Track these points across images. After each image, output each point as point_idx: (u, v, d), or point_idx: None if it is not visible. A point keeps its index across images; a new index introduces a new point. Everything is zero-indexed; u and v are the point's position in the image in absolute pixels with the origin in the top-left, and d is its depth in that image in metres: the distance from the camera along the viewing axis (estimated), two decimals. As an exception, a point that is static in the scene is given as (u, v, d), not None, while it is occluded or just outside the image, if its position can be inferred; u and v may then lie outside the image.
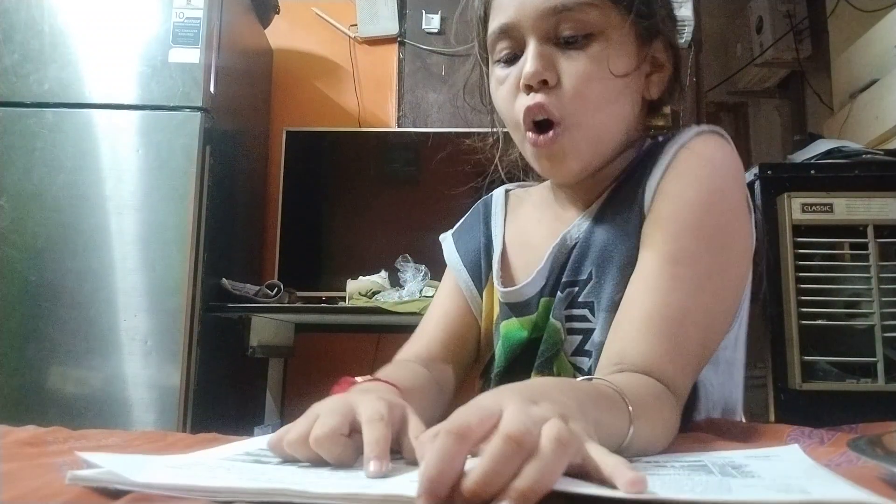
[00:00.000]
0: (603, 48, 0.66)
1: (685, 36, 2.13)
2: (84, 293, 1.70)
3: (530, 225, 0.82)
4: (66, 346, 1.68)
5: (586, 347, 0.69)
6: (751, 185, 1.80)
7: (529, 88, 0.67)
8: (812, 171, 1.73)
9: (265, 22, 2.41)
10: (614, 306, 0.65)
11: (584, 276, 0.71)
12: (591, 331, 0.69)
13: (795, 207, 1.65)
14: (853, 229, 1.63)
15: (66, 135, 1.77)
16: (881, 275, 1.59)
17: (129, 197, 1.75)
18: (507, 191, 0.89)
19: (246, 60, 2.24)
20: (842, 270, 1.63)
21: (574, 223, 0.74)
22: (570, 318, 0.71)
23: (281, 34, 2.54)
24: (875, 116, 2.06)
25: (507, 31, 0.68)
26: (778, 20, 2.67)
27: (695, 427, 0.65)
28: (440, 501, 0.30)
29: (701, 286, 0.62)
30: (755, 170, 1.78)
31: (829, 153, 1.79)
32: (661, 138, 0.73)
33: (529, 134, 0.68)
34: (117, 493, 0.35)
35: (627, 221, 0.69)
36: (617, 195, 0.72)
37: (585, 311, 0.70)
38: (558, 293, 0.72)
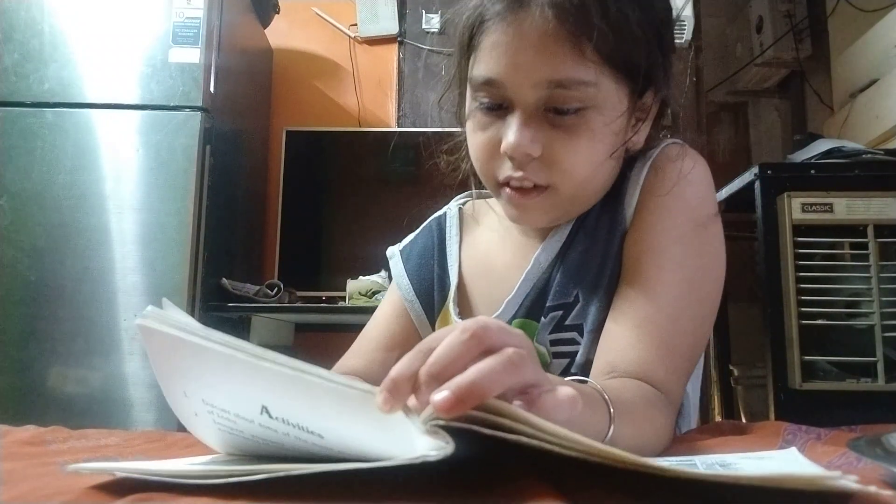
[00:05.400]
0: (594, 123, 0.62)
1: (685, 35, 2.13)
2: (84, 293, 1.70)
3: (492, 250, 0.78)
4: (66, 346, 1.68)
5: (573, 370, 0.68)
6: (751, 185, 1.80)
7: (512, 158, 0.63)
8: (812, 171, 1.72)
9: (265, 22, 2.41)
10: (599, 326, 0.66)
11: (570, 300, 0.69)
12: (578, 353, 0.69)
13: (795, 207, 1.65)
14: (853, 229, 1.63)
15: (66, 135, 1.77)
16: (881, 275, 1.59)
17: (129, 197, 1.75)
18: (460, 207, 0.85)
19: (246, 60, 2.24)
20: (842, 270, 1.62)
21: (545, 244, 0.72)
22: (556, 342, 0.69)
23: (281, 34, 2.54)
24: (875, 116, 2.06)
25: (492, 84, 0.62)
26: (778, 20, 2.67)
27: (695, 431, 0.65)
28: (394, 395, 0.34)
29: (688, 291, 0.63)
30: (755, 170, 1.78)
31: (829, 153, 1.79)
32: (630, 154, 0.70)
33: (507, 190, 0.66)
34: (119, 493, 0.35)
35: (610, 243, 0.68)
36: (591, 215, 0.71)
37: (574, 334, 0.69)
38: (542, 318, 0.70)
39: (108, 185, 1.76)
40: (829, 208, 1.64)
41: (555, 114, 0.61)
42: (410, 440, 0.34)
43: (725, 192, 2.09)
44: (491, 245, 0.79)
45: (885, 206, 1.62)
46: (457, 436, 0.32)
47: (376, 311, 0.86)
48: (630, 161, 0.70)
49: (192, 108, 1.79)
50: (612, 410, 0.46)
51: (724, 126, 3.00)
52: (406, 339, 0.81)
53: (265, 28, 2.43)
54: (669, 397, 0.59)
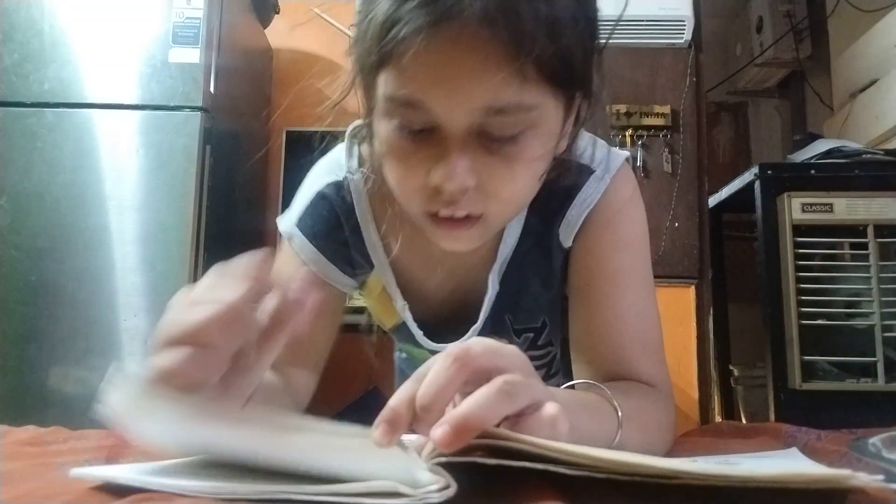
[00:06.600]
0: (532, 147, 0.54)
1: (685, 35, 2.13)
2: (84, 293, 1.70)
3: (433, 257, 0.72)
4: (66, 346, 1.68)
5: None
6: (751, 185, 1.80)
7: (445, 191, 0.55)
8: (812, 171, 1.73)
9: (265, 22, 2.41)
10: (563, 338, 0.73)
11: (538, 324, 0.76)
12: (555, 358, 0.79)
13: (795, 207, 1.65)
14: (853, 229, 1.63)
15: (66, 135, 1.77)
16: (881, 275, 1.59)
17: (129, 197, 1.75)
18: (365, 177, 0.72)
19: (246, 60, 2.24)
20: (842, 270, 1.63)
21: (493, 273, 0.71)
22: (532, 358, 0.68)
23: (281, 34, 2.54)
24: (875, 116, 2.06)
25: (416, 106, 0.52)
26: (778, 20, 2.67)
27: (695, 432, 0.66)
28: (393, 425, 0.35)
29: (645, 289, 0.68)
30: (755, 170, 1.78)
31: (829, 153, 1.79)
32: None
33: (435, 220, 0.58)
34: (120, 493, 0.35)
35: (557, 262, 0.72)
36: (539, 239, 0.71)
37: (548, 349, 0.78)
38: (516, 339, 0.75)
39: (108, 185, 1.76)
40: (829, 208, 1.64)
41: (489, 140, 0.52)
42: (408, 466, 0.34)
43: (725, 192, 2.09)
44: (432, 251, 0.70)
45: (885, 206, 1.62)
46: (460, 470, 0.32)
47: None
48: (558, 182, 0.64)
49: (192, 108, 1.78)
50: (620, 415, 0.47)
51: (724, 126, 3.00)
52: (332, 300, 0.78)
53: (265, 28, 2.43)
54: (663, 389, 0.63)
